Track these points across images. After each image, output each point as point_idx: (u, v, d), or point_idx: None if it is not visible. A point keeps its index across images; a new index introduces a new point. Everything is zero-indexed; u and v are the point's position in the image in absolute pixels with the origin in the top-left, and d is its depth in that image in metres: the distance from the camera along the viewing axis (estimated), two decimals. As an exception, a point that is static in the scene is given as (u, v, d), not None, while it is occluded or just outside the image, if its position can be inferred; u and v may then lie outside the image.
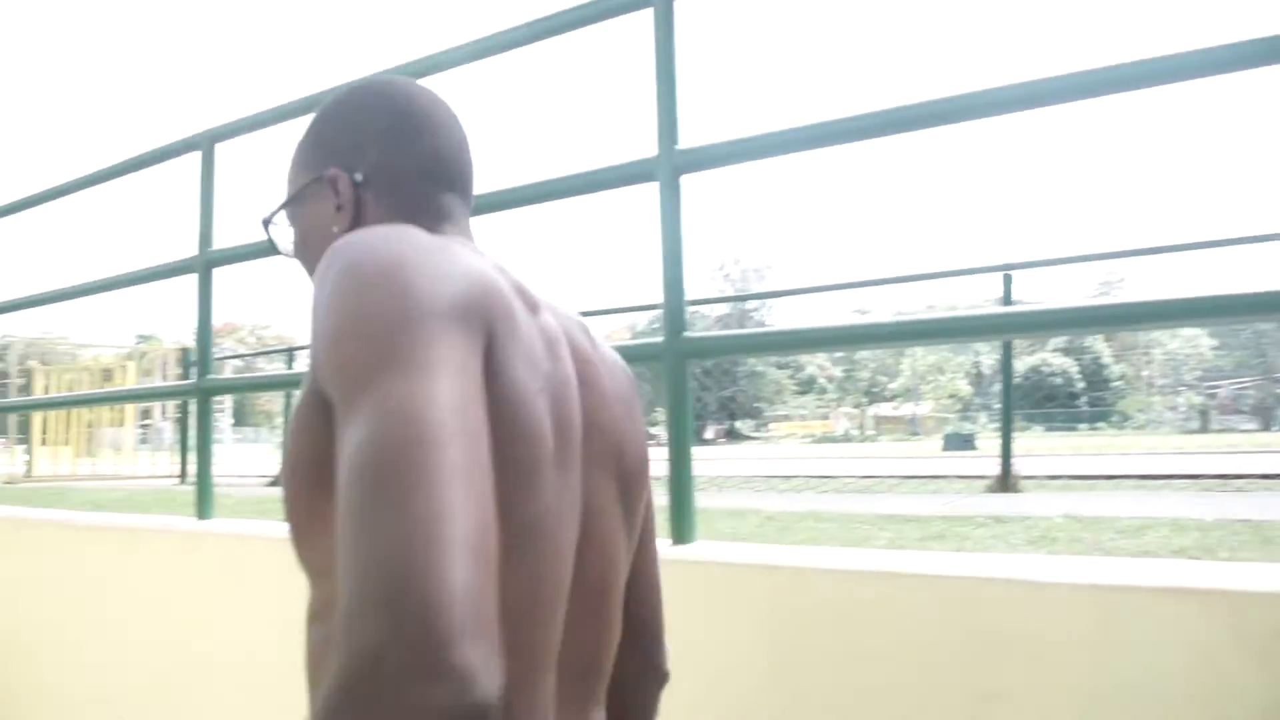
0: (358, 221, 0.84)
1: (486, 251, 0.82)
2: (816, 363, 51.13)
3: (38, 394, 10.43)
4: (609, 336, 1.05)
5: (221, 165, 2.53)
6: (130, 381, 10.40)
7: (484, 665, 0.49)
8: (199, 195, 2.55)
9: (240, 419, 11.67)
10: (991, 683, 1.21)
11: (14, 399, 10.85)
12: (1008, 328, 2.67)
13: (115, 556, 2.50)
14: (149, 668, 2.31)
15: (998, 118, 1.43)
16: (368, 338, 0.60)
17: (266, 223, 0.92)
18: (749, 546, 1.62)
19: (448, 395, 0.57)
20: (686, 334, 1.63)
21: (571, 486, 0.75)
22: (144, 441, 11.88)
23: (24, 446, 10.12)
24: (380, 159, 0.85)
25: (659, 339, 1.64)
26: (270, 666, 1.59)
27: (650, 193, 1.66)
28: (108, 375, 10.84)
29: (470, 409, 0.59)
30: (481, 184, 1.08)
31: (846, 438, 41.60)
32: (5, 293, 3.42)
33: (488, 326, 0.66)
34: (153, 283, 2.72)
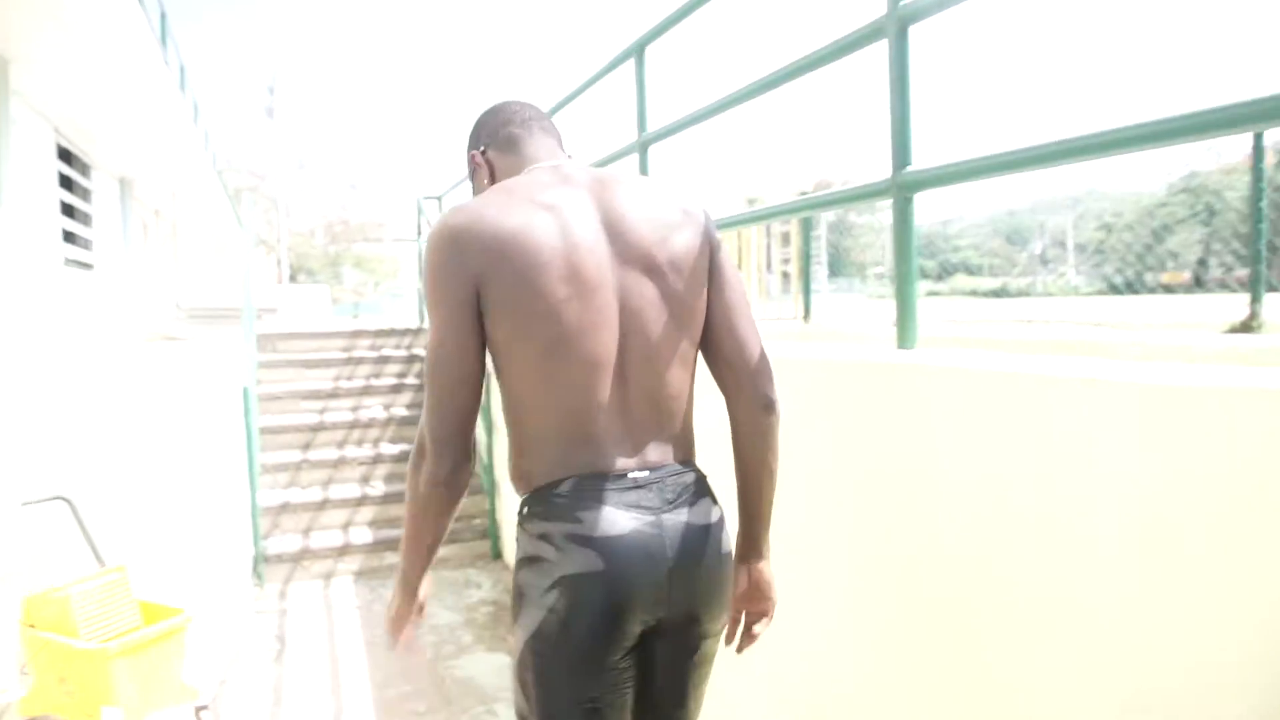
0: (491, 169, 1.58)
1: (561, 160, 1.51)
2: None
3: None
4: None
5: None
6: (756, 245, 10.86)
7: (443, 459, 1.34)
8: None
9: (836, 270, 11.65)
10: None
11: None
12: None
13: (812, 389, 2.12)
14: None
15: None
16: (427, 288, 1.39)
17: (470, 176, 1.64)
18: None
19: (446, 324, 1.36)
20: None
21: (599, 306, 1.36)
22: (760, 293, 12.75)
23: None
24: (489, 132, 1.59)
25: None
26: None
27: None
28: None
29: (465, 331, 1.36)
30: None
31: None
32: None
33: (481, 281, 1.35)
34: (840, 59, 2.20)
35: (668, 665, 1.45)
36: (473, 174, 1.60)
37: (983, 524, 1.57)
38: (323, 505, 5.55)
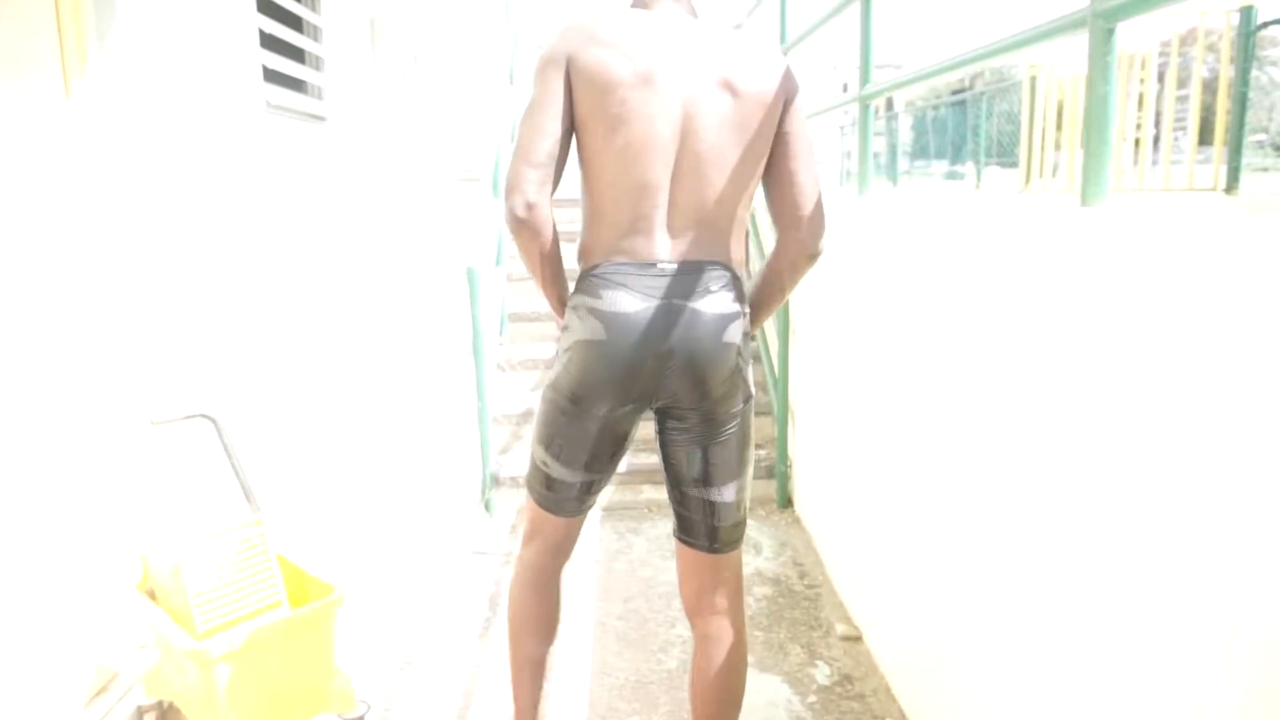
0: None
1: (668, 14, 1.73)
2: None
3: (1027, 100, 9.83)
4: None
5: None
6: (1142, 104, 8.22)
7: (522, 196, 1.62)
8: None
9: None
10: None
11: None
12: None
13: None
14: None
15: None
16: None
17: None
18: None
19: (540, 94, 1.65)
20: None
21: (663, 104, 1.61)
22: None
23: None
24: None
25: None
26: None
27: None
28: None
29: (552, 95, 1.64)
30: None
31: None
32: None
33: (570, 58, 1.64)
34: None
35: (691, 445, 1.76)
36: None
37: None
38: (574, 415, 4.55)
